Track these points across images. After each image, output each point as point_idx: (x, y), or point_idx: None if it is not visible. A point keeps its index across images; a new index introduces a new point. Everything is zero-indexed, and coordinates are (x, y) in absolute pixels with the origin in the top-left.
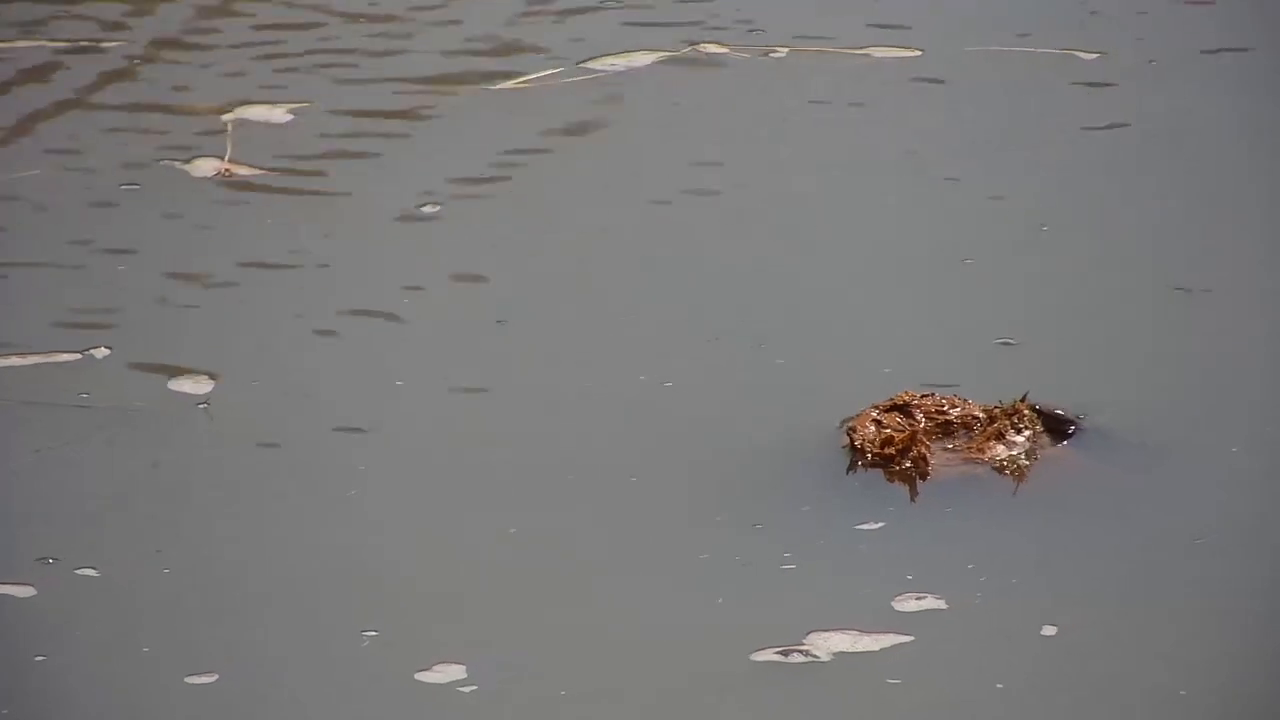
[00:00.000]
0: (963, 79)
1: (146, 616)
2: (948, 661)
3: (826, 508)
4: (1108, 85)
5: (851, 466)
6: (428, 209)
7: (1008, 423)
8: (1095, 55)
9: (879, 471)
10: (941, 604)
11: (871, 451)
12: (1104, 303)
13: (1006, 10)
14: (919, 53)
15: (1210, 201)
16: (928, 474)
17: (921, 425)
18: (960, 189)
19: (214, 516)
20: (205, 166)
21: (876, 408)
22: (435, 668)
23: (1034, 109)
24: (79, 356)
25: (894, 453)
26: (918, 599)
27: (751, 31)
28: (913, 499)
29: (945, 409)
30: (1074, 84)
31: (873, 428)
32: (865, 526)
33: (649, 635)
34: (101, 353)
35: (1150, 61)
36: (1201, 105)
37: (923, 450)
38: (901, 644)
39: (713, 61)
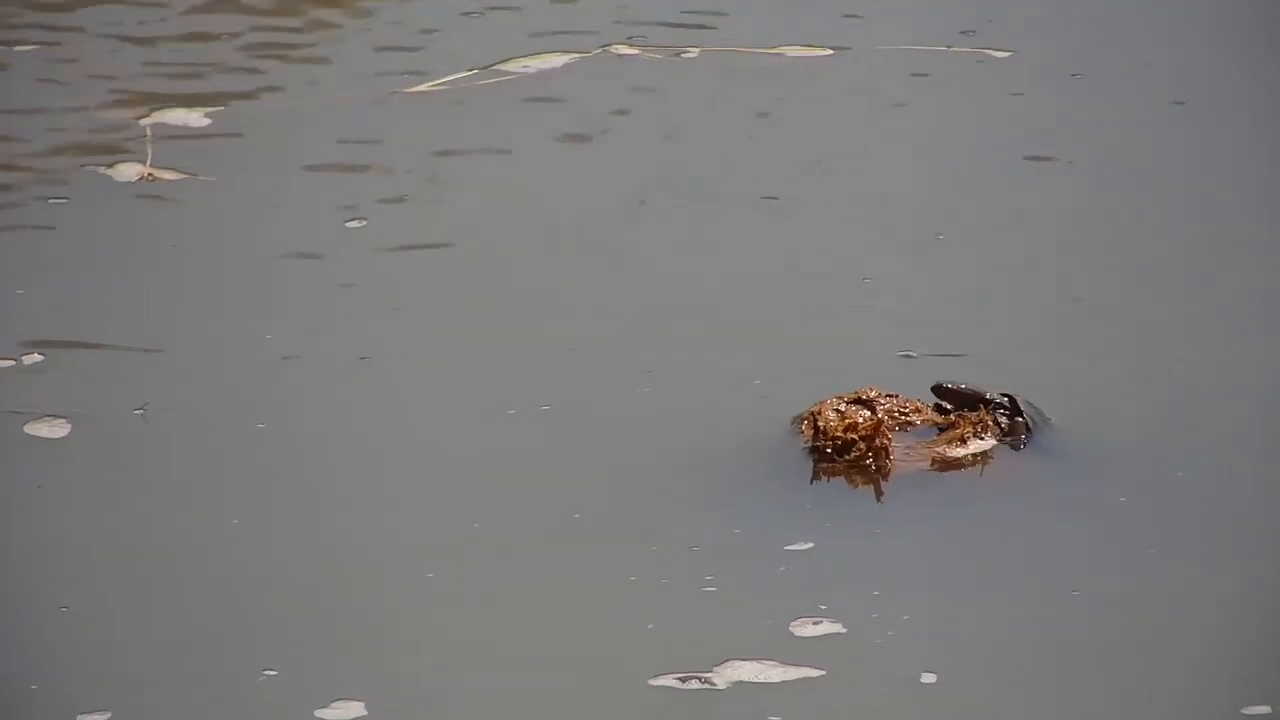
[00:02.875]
0: (873, 80)
1: (35, 653)
2: (840, 699)
3: (759, 527)
4: (1017, 88)
5: (815, 450)
6: (353, 224)
7: (970, 430)
8: (1008, 54)
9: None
10: (840, 628)
11: (834, 435)
12: (1002, 314)
13: (921, 11)
14: (831, 52)
15: (1107, 211)
16: (888, 466)
17: (883, 419)
18: (860, 196)
19: (112, 544)
20: (128, 171)
21: (840, 398)
22: (334, 704)
23: (939, 113)
24: (13, 363)
25: (857, 438)
26: (815, 623)
27: (663, 30)
28: (879, 498)
29: (908, 413)
30: (982, 86)
31: (835, 415)
32: (794, 547)
33: (556, 662)
34: (34, 358)
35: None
36: (1106, 111)
37: (885, 442)
38: (806, 677)
39: (624, 63)
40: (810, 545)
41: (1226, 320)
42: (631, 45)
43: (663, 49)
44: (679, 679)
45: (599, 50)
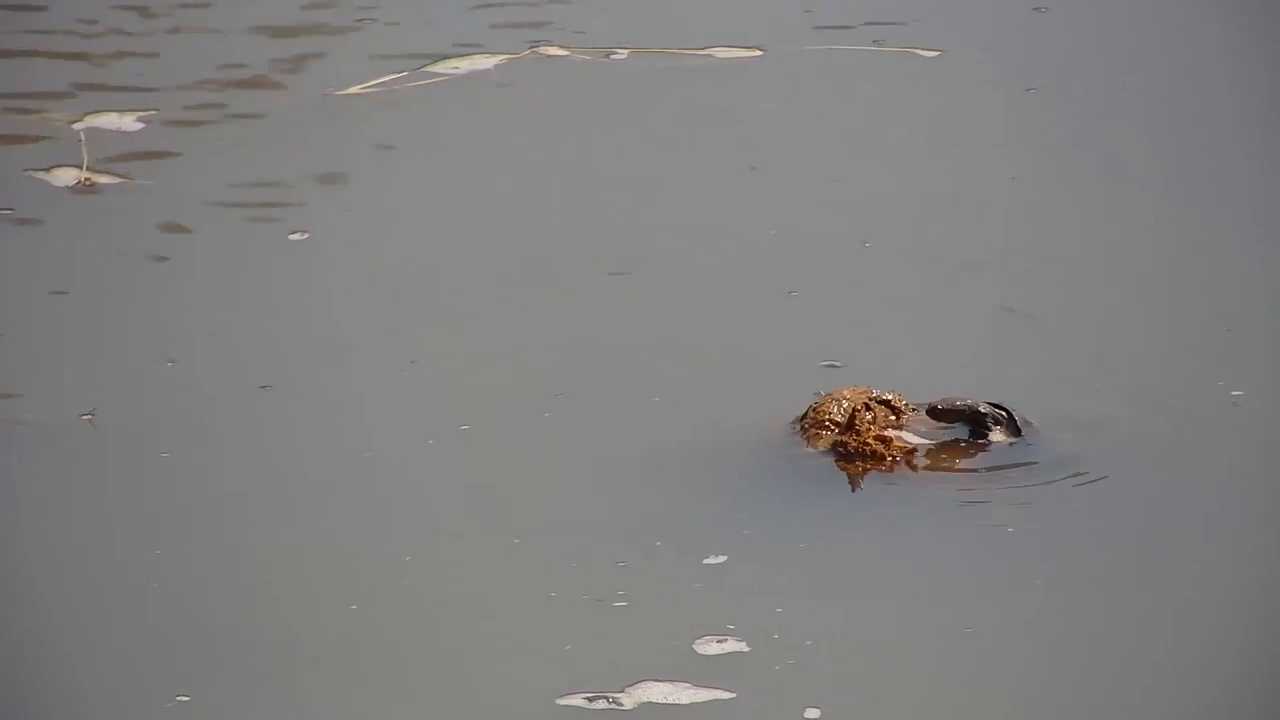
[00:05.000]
0: (802, 79)
1: None
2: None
3: (679, 540)
4: (946, 87)
5: (840, 445)
6: (295, 236)
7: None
8: (936, 53)
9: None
10: (744, 647)
11: (867, 440)
12: (930, 323)
13: (852, 10)
14: (760, 52)
15: (1040, 216)
16: (913, 465)
17: (917, 449)
18: (784, 202)
19: (26, 567)
20: (65, 176)
21: (871, 396)
22: None
23: (867, 114)
24: None
25: (886, 454)
26: (720, 641)
27: (592, 31)
28: (898, 488)
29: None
30: (910, 86)
31: (869, 418)
32: (710, 560)
33: (467, 683)
34: None
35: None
36: (1039, 112)
37: (914, 466)
38: (717, 700)
39: (554, 64)
40: (724, 559)
41: (1171, 334)
42: (561, 46)
43: (592, 50)
44: (587, 699)
45: (528, 51)
